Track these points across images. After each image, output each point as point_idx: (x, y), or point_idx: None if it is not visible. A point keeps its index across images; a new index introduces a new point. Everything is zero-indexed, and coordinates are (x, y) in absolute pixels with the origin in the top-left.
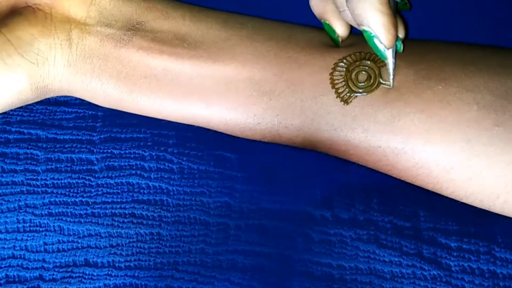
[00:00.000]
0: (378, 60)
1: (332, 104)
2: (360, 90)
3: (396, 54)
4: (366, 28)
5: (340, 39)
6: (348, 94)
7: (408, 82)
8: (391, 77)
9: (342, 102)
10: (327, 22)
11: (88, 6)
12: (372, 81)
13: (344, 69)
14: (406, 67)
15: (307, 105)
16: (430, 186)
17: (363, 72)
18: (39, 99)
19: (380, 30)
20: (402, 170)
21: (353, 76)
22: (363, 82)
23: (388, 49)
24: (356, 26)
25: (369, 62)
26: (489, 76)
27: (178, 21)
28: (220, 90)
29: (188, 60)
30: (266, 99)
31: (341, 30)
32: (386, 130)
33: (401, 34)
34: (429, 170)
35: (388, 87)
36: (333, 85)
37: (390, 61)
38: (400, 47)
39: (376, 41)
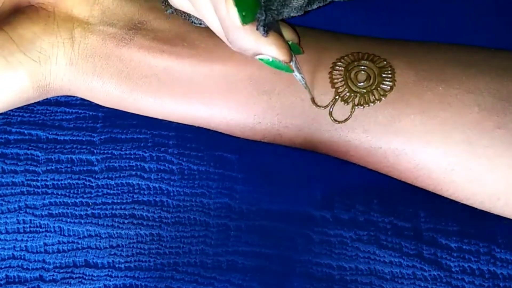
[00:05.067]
0: (376, 60)
1: (333, 103)
2: (360, 90)
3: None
4: (259, 56)
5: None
6: (348, 94)
7: (409, 83)
8: (304, 84)
9: (342, 102)
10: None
11: (91, 6)
12: (371, 81)
13: (343, 68)
14: (407, 68)
15: (307, 104)
16: (430, 188)
17: (362, 72)
18: (40, 98)
19: (273, 50)
20: (403, 171)
21: (352, 75)
22: (363, 82)
23: (290, 62)
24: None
25: (367, 62)
26: (490, 78)
27: (179, 21)
28: (220, 90)
29: (188, 60)
30: (266, 98)
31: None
32: (386, 131)
33: (294, 39)
34: (430, 171)
35: (310, 96)
36: (332, 84)
37: (296, 71)
38: (299, 49)
39: (276, 61)
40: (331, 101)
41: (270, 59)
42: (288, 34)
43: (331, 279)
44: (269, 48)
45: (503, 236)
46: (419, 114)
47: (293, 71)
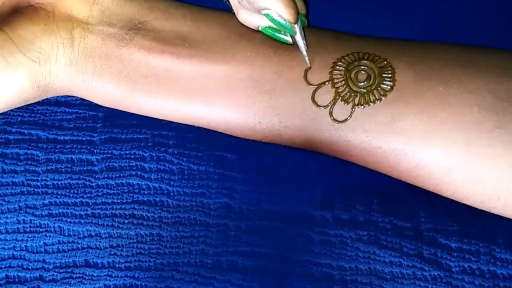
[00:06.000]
0: (377, 60)
1: (333, 103)
2: (360, 90)
3: (305, 31)
4: (266, 11)
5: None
6: (348, 94)
7: (409, 83)
8: (304, 52)
9: (343, 102)
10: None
11: (90, 5)
12: (372, 81)
13: (343, 68)
14: (407, 68)
15: (308, 104)
16: (430, 188)
17: (363, 72)
18: (40, 99)
19: (280, 7)
20: (403, 171)
21: (352, 75)
22: (363, 82)
23: (293, 23)
24: (257, 13)
25: (367, 62)
26: (490, 78)
27: (179, 21)
28: (220, 90)
29: (189, 60)
30: (267, 98)
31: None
32: (386, 131)
33: (302, 10)
34: (430, 171)
35: (307, 64)
36: (333, 84)
37: (299, 37)
38: (304, 21)
39: (280, 19)
40: (331, 100)
41: (276, 16)
42: (299, 3)
43: (331, 279)
44: (278, 5)
45: (503, 236)
46: (419, 114)
47: (295, 33)
